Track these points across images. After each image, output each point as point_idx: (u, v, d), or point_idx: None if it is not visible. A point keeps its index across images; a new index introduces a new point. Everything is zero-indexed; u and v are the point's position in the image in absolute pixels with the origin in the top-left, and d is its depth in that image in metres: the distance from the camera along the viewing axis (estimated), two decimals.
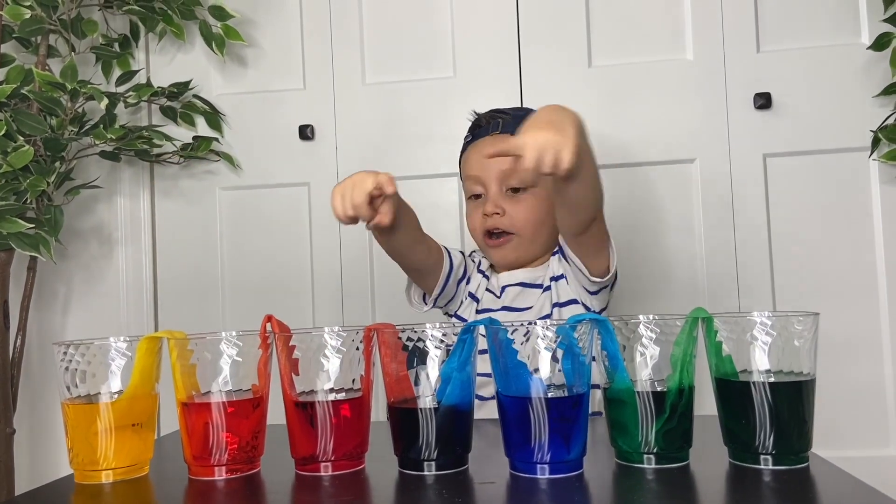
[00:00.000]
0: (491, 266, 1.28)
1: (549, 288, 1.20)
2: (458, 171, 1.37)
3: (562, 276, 1.20)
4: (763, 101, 1.64)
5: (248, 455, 0.76)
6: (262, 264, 1.81)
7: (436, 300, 1.25)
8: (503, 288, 1.23)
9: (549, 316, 1.18)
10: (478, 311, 1.24)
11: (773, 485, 0.67)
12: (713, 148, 1.67)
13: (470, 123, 1.32)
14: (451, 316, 1.28)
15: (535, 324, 0.71)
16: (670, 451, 0.71)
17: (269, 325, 0.78)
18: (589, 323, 0.71)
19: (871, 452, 1.59)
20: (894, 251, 1.62)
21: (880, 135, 1.54)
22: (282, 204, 1.82)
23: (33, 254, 1.49)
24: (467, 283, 1.27)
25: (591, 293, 1.17)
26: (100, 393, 0.76)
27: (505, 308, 1.22)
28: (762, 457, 0.70)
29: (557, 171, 0.92)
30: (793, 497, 0.64)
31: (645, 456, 0.72)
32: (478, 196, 1.24)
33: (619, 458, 0.74)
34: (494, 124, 1.26)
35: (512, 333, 0.70)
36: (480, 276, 1.27)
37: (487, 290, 1.26)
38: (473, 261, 1.30)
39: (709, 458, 0.74)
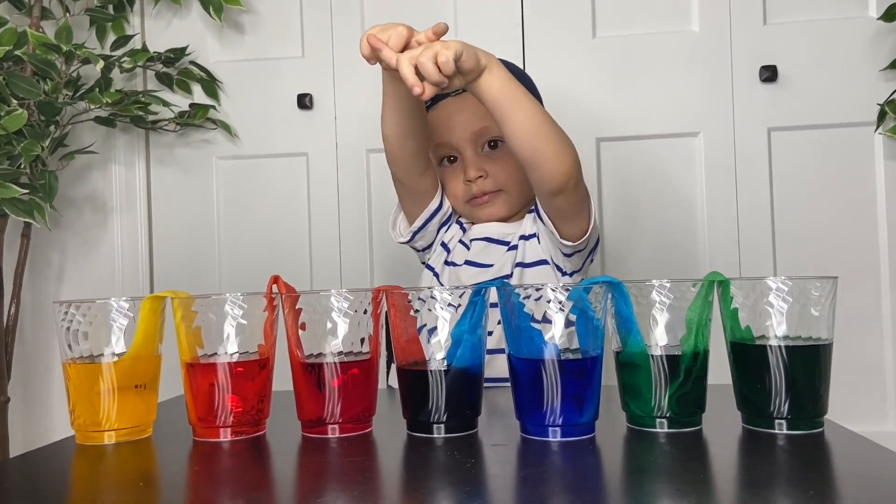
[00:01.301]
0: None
1: (515, 247, 1.15)
2: None
3: (533, 236, 1.14)
4: (769, 74, 1.62)
5: (253, 417, 0.75)
6: (259, 235, 1.79)
7: (414, 234, 1.19)
8: (472, 241, 1.19)
9: (509, 276, 1.13)
10: (446, 263, 1.19)
11: (787, 448, 0.66)
12: (718, 122, 1.65)
13: None
14: (424, 264, 1.24)
15: (547, 286, 0.69)
16: (683, 415, 0.71)
17: (275, 286, 0.76)
18: (603, 286, 0.70)
19: (869, 428, 1.58)
20: None
21: (887, 108, 1.53)
22: (280, 174, 1.79)
23: (27, 220, 1.46)
24: (446, 230, 1.21)
25: (565, 255, 1.12)
26: (102, 353, 0.75)
27: (468, 262, 1.17)
28: (777, 421, 0.69)
29: (444, 70, 0.90)
30: (807, 460, 0.64)
31: (657, 420, 0.71)
32: (452, 159, 1.18)
33: (631, 423, 0.73)
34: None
35: (524, 298, 0.69)
36: (458, 226, 1.22)
37: (461, 241, 1.20)
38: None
39: (722, 423, 0.73)
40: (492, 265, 1.15)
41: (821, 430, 0.70)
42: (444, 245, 1.21)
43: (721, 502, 0.54)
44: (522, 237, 1.15)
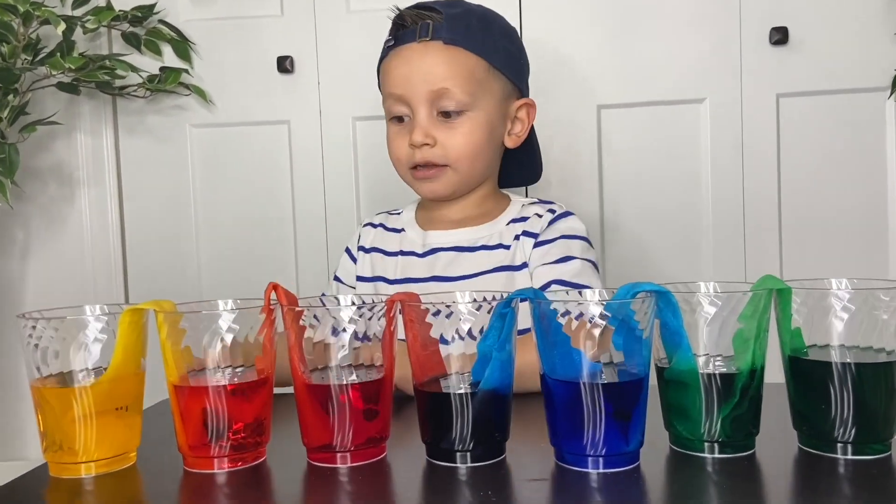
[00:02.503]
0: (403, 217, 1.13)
1: (490, 248, 1.04)
2: None
3: (524, 266, 1.02)
4: (780, 36, 1.53)
5: (252, 443, 0.66)
6: (239, 207, 1.69)
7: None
8: (434, 251, 1.05)
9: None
10: (392, 282, 1.06)
11: (851, 476, 0.59)
12: (724, 87, 1.57)
13: (391, 22, 1.08)
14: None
15: (586, 295, 0.61)
16: (737, 438, 0.63)
17: (273, 294, 0.67)
18: (648, 295, 0.62)
19: None
20: None
21: None
22: (260, 143, 1.68)
23: None
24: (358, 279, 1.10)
25: None
26: (74, 372, 0.65)
27: (436, 278, 1.03)
28: (839, 445, 0.62)
29: None
30: (876, 489, 0.57)
31: (707, 444, 0.63)
32: (401, 119, 1.05)
33: (676, 445, 0.66)
34: (423, 27, 1.02)
35: (561, 312, 0.61)
36: (365, 252, 1.10)
37: (402, 252, 1.07)
38: (359, 236, 1.13)
39: (776, 444, 0.66)
40: (472, 275, 1.03)
41: (889, 454, 0.63)
42: (362, 279, 1.09)
43: None
44: (512, 267, 1.02)
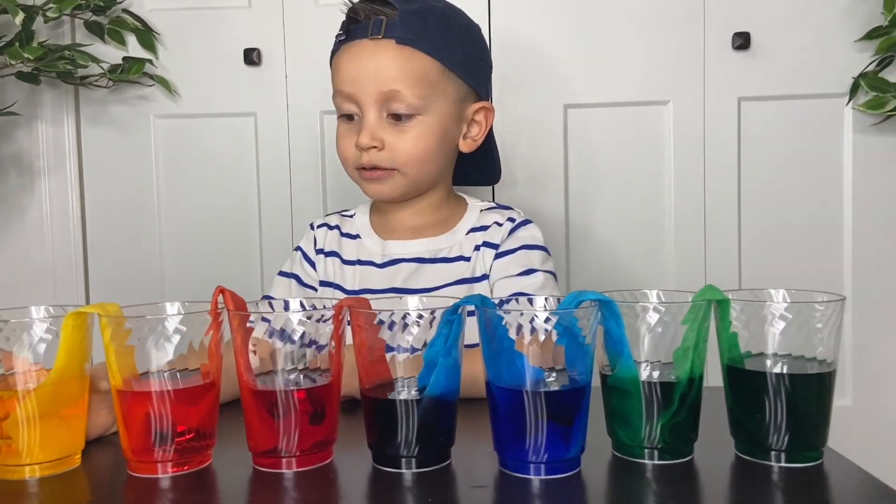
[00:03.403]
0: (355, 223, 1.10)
1: (449, 260, 1.03)
2: None
3: (485, 278, 1.01)
4: (742, 41, 1.55)
5: (198, 447, 0.66)
6: (203, 200, 1.67)
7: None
8: (393, 262, 1.04)
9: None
10: (350, 293, 1.03)
11: (784, 484, 0.61)
12: (688, 90, 1.58)
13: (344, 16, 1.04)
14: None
15: (532, 303, 0.62)
16: (675, 445, 0.65)
17: (220, 298, 0.67)
18: (592, 304, 0.63)
19: None
20: (861, 201, 1.58)
21: (861, 81, 1.48)
22: (225, 135, 1.67)
23: None
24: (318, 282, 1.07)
25: None
26: (16, 374, 0.65)
27: (395, 290, 1.00)
28: (773, 453, 0.64)
29: None
30: (806, 497, 0.59)
31: (647, 451, 0.65)
32: (350, 117, 1.02)
33: (617, 451, 0.67)
34: (376, 23, 0.97)
35: (506, 319, 0.62)
36: (324, 256, 1.08)
37: (359, 262, 1.05)
38: (315, 239, 1.10)
39: (713, 451, 0.68)
40: (431, 289, 1.01)
41: (820, 462, 0.65)
42: (327, 284, 1.07)
43: None
44: (472, 280, 1.02)
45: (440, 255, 1.04)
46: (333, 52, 1.05)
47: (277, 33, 1.63)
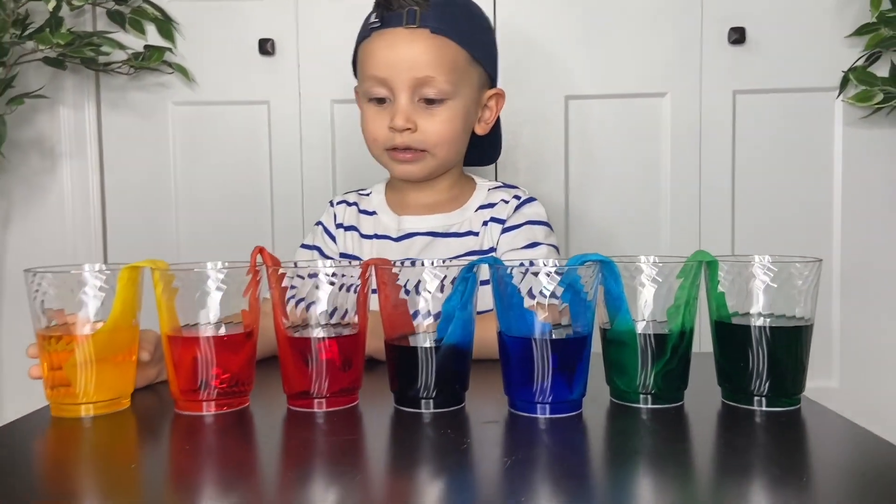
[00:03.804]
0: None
1: (460, 234, 1.10)
2: None
3: (492, 250, 1.09)
4: (737, 36, 1.62)
5: (238, 390, 0.73)
6: (218, 184, 1.74)
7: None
8: (409, 235, 1.11)
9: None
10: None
11: (765, 425, 0.68)
12: (685, 83, 1.65)
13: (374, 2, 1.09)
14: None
15: (539, 263, 0.69)
16: (668, 391, 0.72)
17: (259, 257, 0.74)
18: (594, 264, 0.70)
19: (813, 384, 1.66)
20: (850, 189, 1.65)
21: (850, 76, 1.55)
22: (240, 122, 1.73)
23: None
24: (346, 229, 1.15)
25: None
26: (77, 324, 0.72)
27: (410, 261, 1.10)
28: (756, 398, 0.71)
29: None
30: (785, 437, 0.66)
31: (642, 396, 0.72)
32: (381, 100, 1.07)
33: (615, 397, 0.75)
34: (410, 13, 1.04)
35: (516, 277, 0.69)
36: (344, 230, 1.14)
37: (376, 236, 1.13)
38: (335, 215, 1.17)
39: (702, 398, 0.75)
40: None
41: (798, 407, 0.72)
42: (346, 256, 1.13)
43: (703, 479, 0.56)
44: (481, 252, 1.09)
45: (451, 230, 1.11)
46: (362, 39, 1.10)
47: (291, 25, 1.70)
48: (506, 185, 1.18)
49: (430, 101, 1.06)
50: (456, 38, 1.06)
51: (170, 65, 1.68)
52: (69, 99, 1.72)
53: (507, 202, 1.13)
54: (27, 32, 1.47)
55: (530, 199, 1.15)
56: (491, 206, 1.13)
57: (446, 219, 1.12)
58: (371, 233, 1.14)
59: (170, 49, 1.67)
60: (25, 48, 1.53)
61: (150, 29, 1.68)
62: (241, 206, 1.74)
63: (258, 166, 1.73)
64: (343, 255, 1.14)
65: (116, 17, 1.66)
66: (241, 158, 1.74)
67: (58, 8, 1.46)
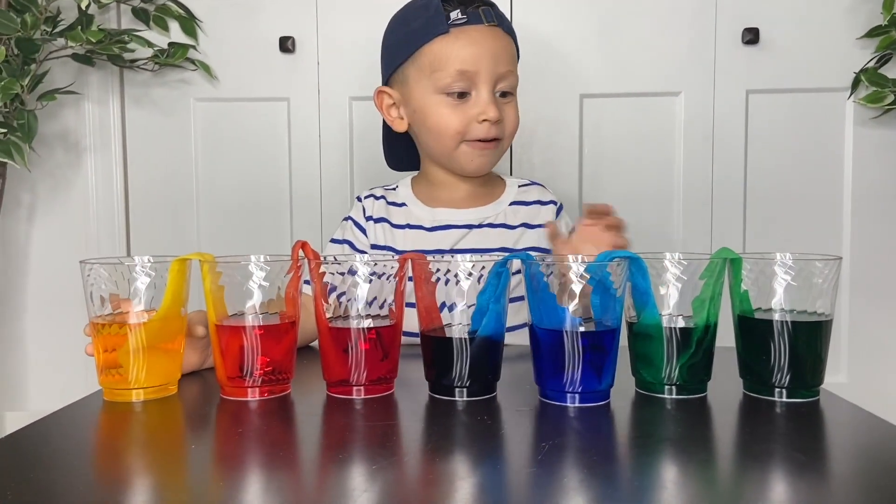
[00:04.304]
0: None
1: (506, 226, 1.14)
2: None
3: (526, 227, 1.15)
4: (751, 36, 1.65)
5: (280, 377, 0.77)
6: (238, 179, 1.78)
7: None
8: (442, 227, 1.14)
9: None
10: (401, 252, 1.11)
11: (786, 415, 0.72)
12: (699, 82, 1.68)
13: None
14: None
15: (570, 260, 0.72)
16: (692, 383, 0.75)
17: (301, 252, 0.77)
18: (623, 260, 0.73)
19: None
20: (860, 189, 1.68)
21: (862, 76, 1.58)
22: (260, 119, 1.77)
23: (5, 160, 1.42)
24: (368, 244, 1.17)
25: None
26: (129, 312, 0.75)
27: (442, 252, 1.11)
28: (777, 390, 0.74)
29: None
30: (805, 426, 0.69)
31: (666, 387, 0.75)
32: (462, 94, 1.09)
33: (641, 388, 0.78)
34: (486, 12, 1.10)
35: (545, 268, 0.72)
36: (374, 222, 1.17)
37: (409, 226, 1.15)
38: (363, 208, 1.19)
39: (725, 389, 0.78)
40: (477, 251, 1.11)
41: (817, 398, 0.76)
42: (377, 247, 1.16)
43: (728, 464, 0.60)
44: (511, 226, 1.14)
45: (486, 222, 1.15)
46: (434, 36, 1.08)
47: (311, 22, 1.73)
48: (533, 183, 1.22)
49: (503, 94, 1.12)
50: (514, 38, 1.15)
51: (192, 62, 1.71)
52: (94, 95, 1.75)
53: (543, 204, 1.18)
54: (57, 29, 1.50)
55: (561, 208, 1.21)
56: (525, 203, 1.18)
57: (481, 212, 1.16)
58: (403, 223, 1.17)
59: (193, 46, 1.71)
60: (54, 45, 1.57)
61: (173, 26, 1.72)
62: (260, 200, 1.77)
63: (278, 162, 1.77)
64: (375, 247, 1.16)
65: (141, 15, 1.70)
66: (261, 154, 1.77)
67: (88, 6, 1.49)
